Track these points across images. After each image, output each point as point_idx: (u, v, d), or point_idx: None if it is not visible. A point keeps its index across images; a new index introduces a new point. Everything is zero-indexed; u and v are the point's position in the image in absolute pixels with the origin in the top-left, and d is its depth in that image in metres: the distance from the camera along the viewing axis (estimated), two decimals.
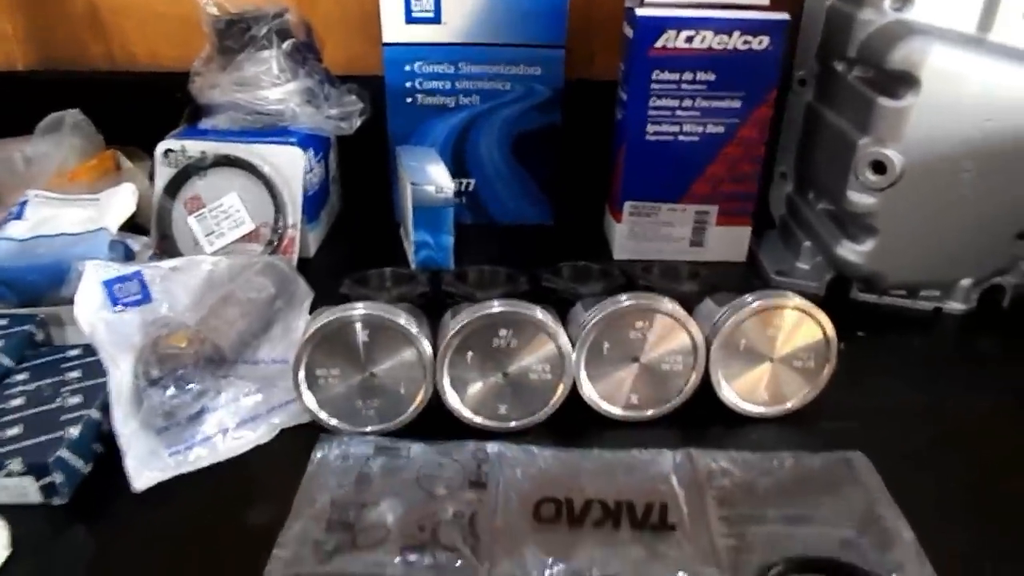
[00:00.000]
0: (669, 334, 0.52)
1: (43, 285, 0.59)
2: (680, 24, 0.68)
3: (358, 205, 0.90)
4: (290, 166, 0.71)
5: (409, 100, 0.79)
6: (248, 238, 0.71)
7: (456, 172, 0.82)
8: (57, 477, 0.45)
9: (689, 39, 0.68)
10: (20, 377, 0.52)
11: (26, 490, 0.45)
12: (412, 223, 0.71)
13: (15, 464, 0.44)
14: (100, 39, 0.88)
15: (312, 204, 0.76)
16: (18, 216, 0.63)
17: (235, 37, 0.71)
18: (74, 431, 0.47)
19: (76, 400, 0.50)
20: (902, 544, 0.43)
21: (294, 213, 0.71)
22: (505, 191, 0.84)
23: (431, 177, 0.71)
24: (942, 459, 0.52)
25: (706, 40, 0.69)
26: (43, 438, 0.46)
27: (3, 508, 0.44)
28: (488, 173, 0.83)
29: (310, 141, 0.74)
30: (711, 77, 0.70)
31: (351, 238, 0.84)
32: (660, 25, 0.68)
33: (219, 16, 0.71)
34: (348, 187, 0.89)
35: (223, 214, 0.70)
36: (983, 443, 0.54)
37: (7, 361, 0.54)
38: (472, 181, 0.83)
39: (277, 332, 0.61)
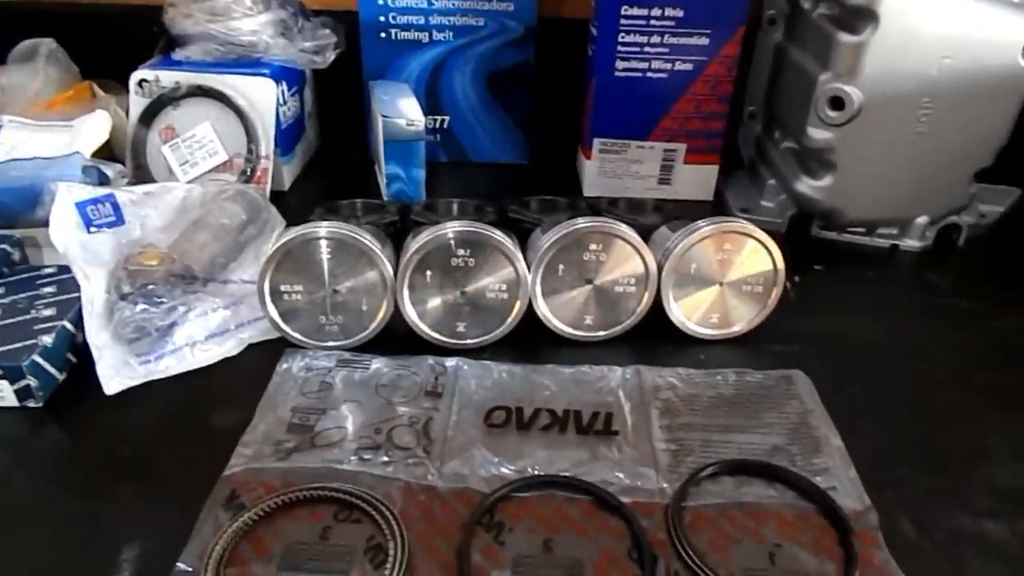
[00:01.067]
0: (623, 258, 0.54)
1: (18, 207, 0.60)
2: None
3: (335, 142, 0.91)
4: (263, 97, 0.72)
5: (383, 35, 0.79)
6: (222, 168, 0.72)
7: (430, 109, 0.83)
8: (31, 381, 0.47)
9: None
10: None
11: (2, 392, 0.47)
12: (384, 156, 0.73)
13: None
14: None
15: (287, 138, 0.77)
16: None
17: None
18: (48, 339, 0.49)
19: (50, 312, 0.52)
20: (830, 450, 0.45)
21: (267, 144, 0.72)
22: (480, 129, 0.85)
23: (402, 110, 0.72)
24: (881, 379, 0.55)
25: None
26: (17, 345, 0.48)
27: None
28: (462, 110, 0.84)
29: (283, 73, 0.75)
30: (679, 13, 0.71)
31: (327, 174, 0.85)
32: None
33: None
34: (325, 124, 0.90)
35: (197, 144, 0.71)
36: (922, 365, 0.57)
37: None
38: (446, 118, 0.84)
39: (248, 258, 0.63)
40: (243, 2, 0.72)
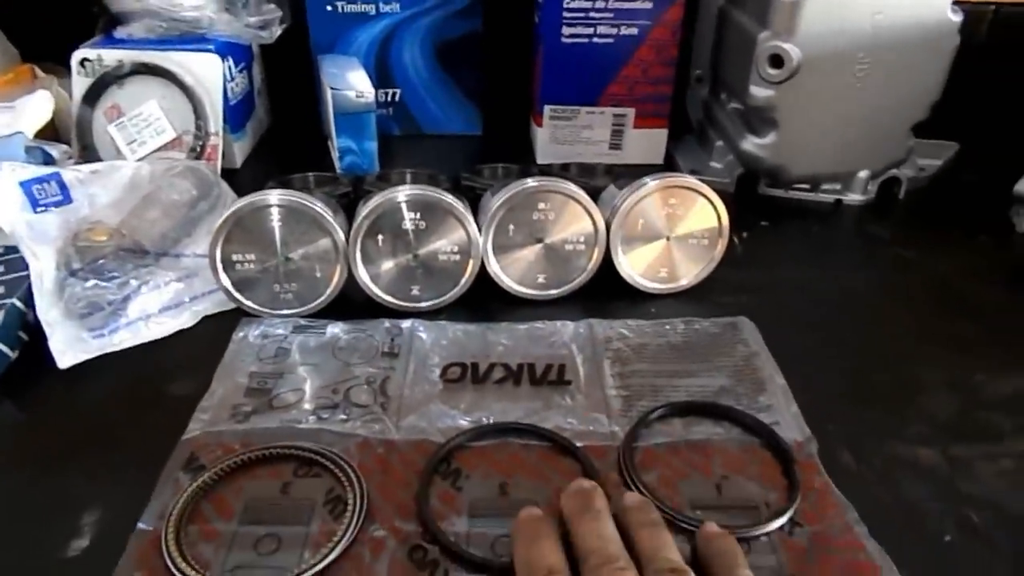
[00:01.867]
0: (572, 217, 0.55)
1: None
2: None
3: (286, 119, 0.90)
4: (209, 74, 0.71)
5: (330, 8, 0.79)
6: (170, 146, 0.71)
7: (381, 82, 0.83)
8: None
9: None
10: None
11: None
12: (335, 129, 0.73)
13: None
14: None
15: (236, 115, 0.77)
16: None
17: None
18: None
19: (2, 290, 0.51)
20: (774, 388, 0.47)
21: (215, 121, 0.72)
22: (432, 100, 0.86)
23: (351, 82, 0.72)
24: (825, 323, 0.57)
25: None
26: None
27: None
28: (413, 82, 0.84)
29: (229, 49, 0.74)
30: None
31: (279, 151, 0.85)
32: None
33: None
34: (276, 100, 0.90)
35: (144, 122, 0.71)
36: (864, 310, 0.59)
37: None
38: (398, 91, 0.85)
39: (201, 233, 0.63)
40: None
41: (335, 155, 0.77)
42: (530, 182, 0.54)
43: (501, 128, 0.88)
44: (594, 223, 0.55)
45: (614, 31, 0.74)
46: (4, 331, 0.49)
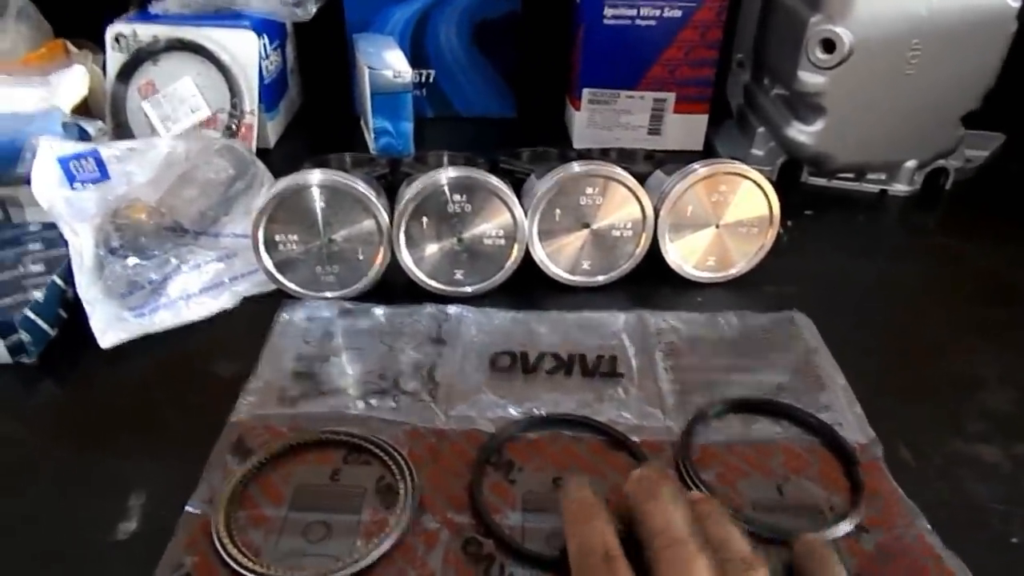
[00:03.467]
0: (619, 202, 0.54)
1: None
2: None
3: (318, 98, 0.89)
4: (245, 51, 0.70)
5: None
6: (205, 124, 0.70)
7: (416, 62, 0.81)
8: (23, 336, 0.46)
9: None
10: None
11: None
12: (371, 110, 0.71)
13: None
14: None
15: (270, 93, 0.75)
16: None
17: None
18: (38, 294, 0.48)
19: (39, 268, 0.50)
20: (834, 387, 0.46)
21: (251, 99, 0.71)
22: (467, 82, 0.84)
23: (388, 62, 0.70)
24: (875, 316, 0.55)
25: None
26: (8, 300, 0.47)
27: None
28: (448, 63, 0.83)
29: (265, 26, 0.73)
30: None
31: (311, 130, 0.84)
32: None
33: None
34: (308, 80, 0.88)
35: (178, 100, 0.69)
36: (914, 301, 0.57)
37: None
38: (432, 72, 0.83)
39: (238, 212, 0.61)
40: None
41: (369, 136, 0.76)
42: (577, 166, 0.53)
43: (535, 110, 0.87)
44: (642, 209, 0.54)
45: (657, 12, 0.72)
46: (45, 308, 0.48)
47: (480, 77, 0.84)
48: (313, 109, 0.88)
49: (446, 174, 0.51)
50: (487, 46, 0.82)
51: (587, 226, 0.54)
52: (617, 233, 0.55)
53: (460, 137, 0.82)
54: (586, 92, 0.77)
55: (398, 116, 0.72)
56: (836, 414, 0.43)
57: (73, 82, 0.64)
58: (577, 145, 0.79)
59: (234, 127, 0.70)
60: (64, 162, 0.56)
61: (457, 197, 0.52)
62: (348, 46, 0.80)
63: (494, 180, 0.52)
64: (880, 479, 0.39)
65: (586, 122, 0.78)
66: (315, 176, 0.51)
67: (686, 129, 0.79)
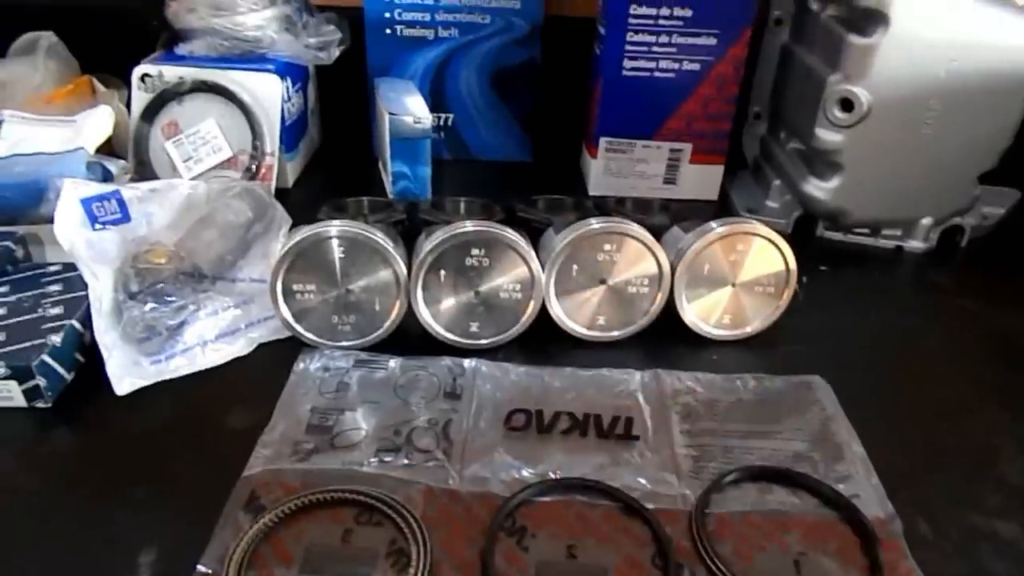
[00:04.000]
0: (636, 258, 0.54)
1: (21, 203, 0.59)
2: None
3: (337, 138, 0.90)
4: (268, 94, 0.71)
5: (388, 31, 0.79)
6: (226, 165, 0.71)
7: (435, 106, 0.82)
8: (40, 381, 0.46)
9: None
10: (1, 290, 0.53)
11: (10, 393, 0.46)
12: (390, 154, 0.72)
13: None
14: None
15: (290, 134, 0.76)
16: None
17: None
18: (56, 339, 0.48)
19: (57, 311, 0.51)
20: (852, 457, 0.45)
21: (272, 141, 0.72)
22: (484, 126, 0.85)
23: (409, 108, 0.71)
24: (890, 379, 0.55)
25: None
26: (26, 344, 0.47)
27: None
28: (467, 108, 0.83)
29: (288, 69, 0.74)
30: (688, 13, 0.71)
31: (329, 170, 0.84)
32: None
33: None
34: (327, 120, 0.89)
35: (201, 140, 0.70)
36: (929, 365, 0.57)
37: None
38: (451, 116, 0.84)
39: (255, 255, 0.62)
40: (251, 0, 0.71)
41: (387, 178, 0.76)
42: (595, 223, 0.53)
43: (550, 155, 0.87)
44: (659, 266, 0.54)
45: (676, 66, 0.73)
46: (63, 353, 0.48)
47: (498, 122, 0.85)
48: (331, 149, 0.89)
49: (465, 228, 0.51)
50: (505, 91, 0.83)
51: (604, 282, 0.54)
52: (633, 289, 0.55)
53: (476, 180, 0.83)
54: (603, 141, 0.77)
55: (416, 161, 0.72)
56: (854, 485, 0.43)
57: (98, 122, 0.65)
58: (593, 192, 0.80)
59: (254, 168, 0.71)
60: (87, 203, 0.57)
61: (475, 251, 0.52)
62: (368, 88, 0.81)
63: (512, 235, 0.52)
64: (899, 558, 0.39)
65: (602, 170, 0.79)
66: (335, 227, 0.51)
67: (702, 179, 0.79)
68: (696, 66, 0.73)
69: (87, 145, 0.63)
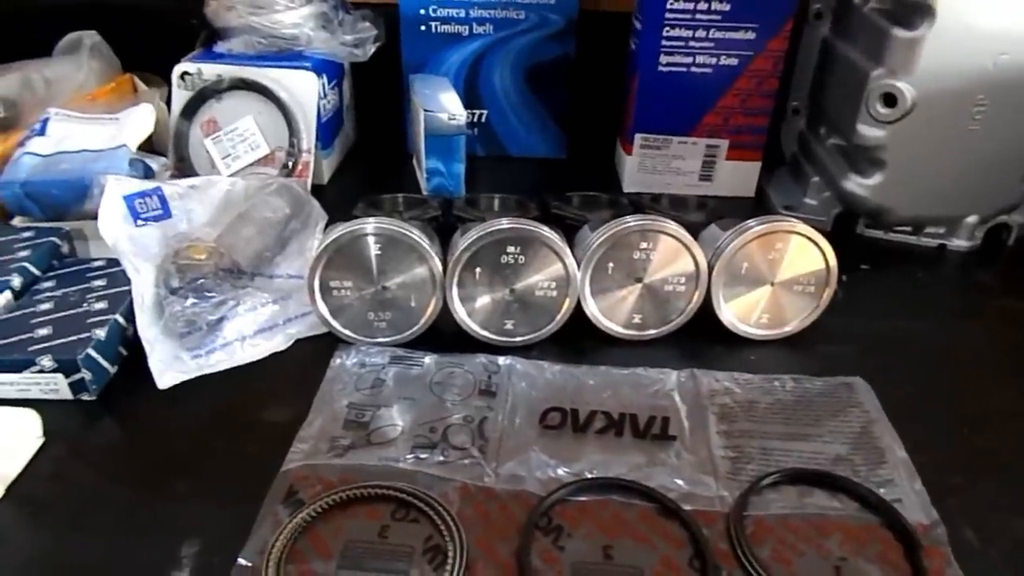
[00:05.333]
0: (672, 256, 0.53)
1: (66, 199, 0.61)
2: None
3: (372, 134, 0.90)
4: (305, 91, 0.72)
5: (423, 28, 0.79)
6: (263, 161, 0.72)
7: (469, 103, 0.82)
8: (85, 374, 0.47)
9: None
10: (47, 284, 0.55)
11: (56, 386, 0.47)
12: (424, 151, 0.72)
13: (46, 361, 0.47)
14: None
15: (326, 131, 0.77)
16: (41, 132, 0.65)
17: None
18: (100, 332, 0.49)
19: (102, 306, 0.52)
20: (894, 460, 0.44)
21: (308, 138, 0.72)
22: (518, 123, 0.85)
23: (444, 105, 0.71)
24: (934, 382, 0.54)
25: None
26: (72, 338, 0.48)
27: (35, 402, 0.47)
28: (501, 104, 0.83)
29: (324, 67, 0.75)
30: (725, 7, 0.70)
31: (365, 166, 0.85)
32: None
33: None
34: (362, 116, 0.90)
35: (239, 137, 0.71)
36: (975, 367, 0.56)
37: (34, 270, 0.56)
38: (485, 112, 0.84)
39: (292, 251, 0.62)
40: None
41: (421, 175, 0.76)
42: (631, 220, 0.53)
43: (584, 151, 0.87)
44: (696, 264, 0.54)
45: (713, 61, 0.72)
46: (107, 347, 0.49)
47: (532, 118, 0.84)
48: (367, 145, 0.90)
49: (500, 226, 0.51)
50: (539, 87, 0.82)
51: (639, 280, 0.54)
52: (670, 288, 0.54)
53: (510, 177, 0.83)
54: (638, 137, 0.76)
55: (451, 158, 0.72)
56: (897, 489, 0.42)
57: (140, 120, 0.66)
58: (627, 188, 0.79)
59: (291, 164, 0.72)
60: (129, 200, 0.58)
61: (511, 248, 0.52)
62: (403, 84, 0.82)
63: (547, 232, 0.52)
64: (943, 566, 0.38)
65: (637, 167, 0.78)
66: (371, 224, 0.51)
67: (739, 176, 0.78)
68: (734, 61, 0.72)
69: (129, 142, 0.64)
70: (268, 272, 0.59)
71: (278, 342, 0.54)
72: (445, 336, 0.54)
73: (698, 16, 0.70)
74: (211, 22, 0.74)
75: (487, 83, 0.82)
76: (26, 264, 0.55)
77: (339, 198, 0.74)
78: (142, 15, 0.85)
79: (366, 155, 0.88)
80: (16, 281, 0.54)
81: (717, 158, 0.77)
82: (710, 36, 0.71)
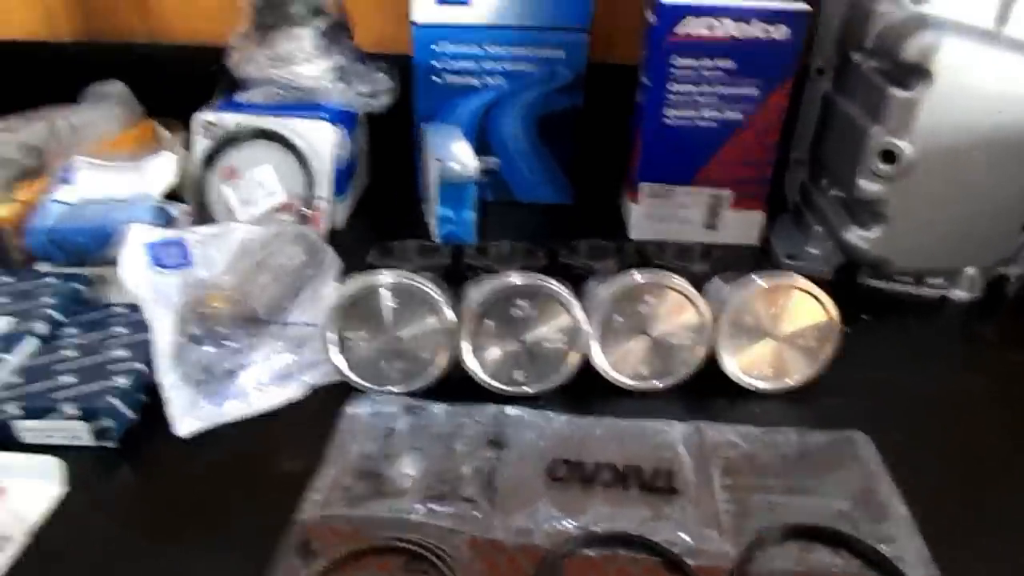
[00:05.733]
0: (678, 309, 0.55)
1: (90, 246, 0.63)
2: (700, 11, 0.70)
3: (383, 179, 0.93)
4: (322, 141, 0.74)
5: (436, 79, 0.81)
6: (280, 209, 0.74)
7: (479, 150, 0.84)
8: (108, 422, 0.49)
9: (709, 26, 0.71)
10: (71, 331, 0.56)
11: (79, 433, 0.49)
12: (436, 199, 0.74)
13: (70, 409, 0.48)
14: (140, 13, 0.91)
15: (341, 178, 0.79)
16: (67, 181, 0.67)
17: (272, 14, 0.74)
18: (124, 381, 0.51)
19: (124, 353, 0.54)
20: (896, 517, 0.45)
21: (324, 187, 0.74)
22: (526, 170, 0.87)
23: (456, 154, 0.73)
24: (935, 435, 0.55)
25: (726, 28, 0.71)
26: (95, 386, 0.50)
27: (59, 448, 0.48)
28: (510, 152, 0.86)
29: (341, 117, 0.77)
30: (730, 64, 0.72)
31: (376, 211, 0.87)
32: (680, 12, 0.71)
33: None
34: (374, 161, 0.92)
35: (257, 185, 0.73)
36: (976, 420, 0.57)
37: (58, 316, 0.58)
38: (495, 160, 0.86)
39: (307, 297, 0.64)
40: (305, 48, 0.74)
41: (432, 221, 0.78)
42: (637, 276, 0.54)
43: (591, 198, 0.89)
44: (701, 317, 0.55)
45: (717, 114, 0.74)
46: (129, 394, 0.51)
47: (540, 165, 0.86)
48: (378, 189, 0.92)
49: (512, 281, 0.53)
50: (548, 137, 0.85)
51: (646, 332, 0.55)
52: (675, 340, 0.56)
53: (518, 222, 0.84)
54: (644, 186, 0.78)
55: (462, 206, 0.74)
56: (898, 547, 0.43)
57: (163, 169, 0.69)
58: (634, 236, 0.81)
59: (307, 212, 0.74)
60: (152, 248, 0.60)
61: (521, 302, 0.53)
62: (414, 131, 0.84)
63: (557, 286, 0.54)
64: None
65: (643, 215, 0.80)
66: (386, 277, 0.53)
67: (742, 224, 0.80)
68: (738, 115, 0.74)
69: (153, 191, 0.66)
70: (283, 319, 0.61)
71: (293, 390, 0.55)
72: (452, 383, 0.56)
73: (703, 73, 0.72)
74: (232, 72, 0.77)
75: (497, 132, 0.84)
76: (51, 311, 0.57)
77: (352, 243, 0.76)
78: (165, 63, 0.88)
79: (377, 199, 0.90)
80: (42, 327, 0.56)
81: (721, 207, 0.79)
82: (714, 91, 0.73)
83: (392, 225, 0.83)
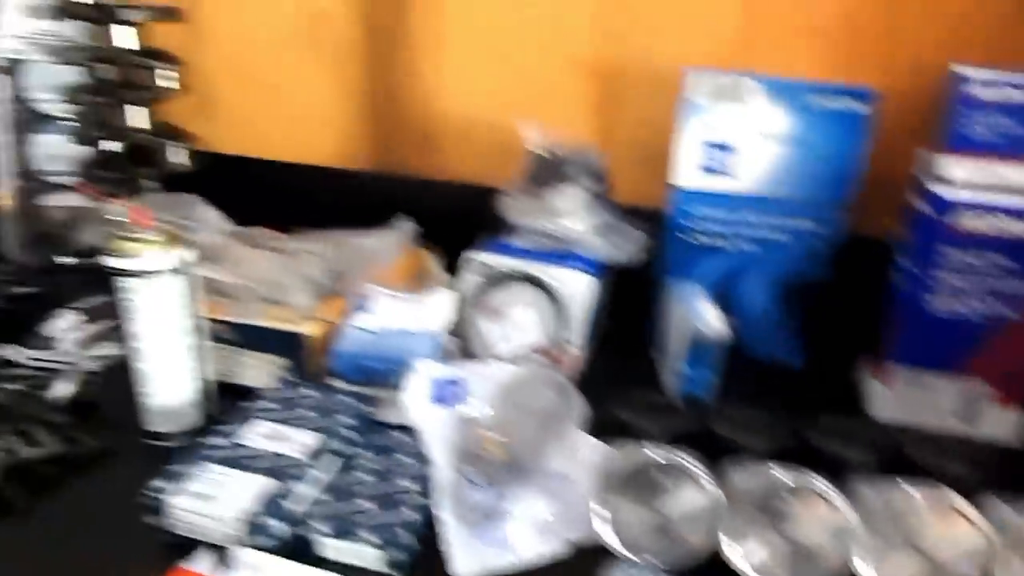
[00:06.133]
0: (951, 526, 0.53)
1: (386, 373, 0.71)
2: (976, 207, 0.70)
3: (619, 325, 0.96)
4: (580, 289, 0.79)
5: (686, 237, 0.85)
6: (534, 350, 0.79)
7: (720, 307, 0.86)
8: (401, 555, 0.54)
9: (985, 221, 0.70)
10: (366, 454, 0.63)
11: (373, 560, 0.54)
12: (682, 356, 0.77)
13: (370, 535, 0.54)
14: (423, 151, 1.04)
15: (591, 325, 0.84)
16: (367, 309, 0.77)
17: (548, 171, 0.82)
18: (413, 515, 0.56)
19: (411, 485, 0.60)
20: None
21: (578, 333, 0.79)
22: (761, 329, 0.88)
23: (707, 316, 0.76)
24: None
25: (1000, 223, 0.69)
26: (391, 516, 0.56)
27: (348, 568, 0.54)
28: (748, 313, 0.87)
29: (597, 267, 0.82)
30: (1003, 260, 0.70)
31: (612, 358, 0.90)
32: (952, 204, 0.70)
33: (538, 153, 0.83)
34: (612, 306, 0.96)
35: (515, 325, 0.80)
36: None
37: (355, 436, 0.65)
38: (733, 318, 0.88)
39: (555, 444, 0.68)
40: (575, 206, 0.81)
41: (670, 376, 0.81)
42: (915, 494, 0.54)
43: (821, 362, 0.87)
44: (987, 541, 0.53)
45: (985, 308, 0.72)
46: (419, 528, 0.56)
47: (775, 326, 0.87)
48: (615, 334, 0.95)
49: (781, 478, 0.54)
50: (789, 301, 0.85)
51: (917, 548, 0.54)
52: (948, 556, 0.53)
53: (748, 382, 0.85)
54: (895, 368, 0.77)
55: (704, 365, 0.77)
56: None
57: (443, 306, 0.77)
58: (876, 414, 0.79)
59: (560, 357, 0.79)
60: (436, 383, 0.67)
61: (785, 495, 0.54)
62: (654, 282, 0.87)
63: (822, 485, 0.54)
64: None
65: (890, 396, 0.78)
66: (658, 453, 0.56)
67: (1001, 420, 0.75)
68: (1008, 310, 0.71)
69: (437, 327, 0.74)
70: (540, 465, 0.64)
71: (555, 546, 0.58)
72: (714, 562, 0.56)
73: (973, 264, 0.71)
74: (505, 217, 0.85)
75: (738, 292, 0.86)
76: (349, 432, 0.64)
77: (592, 388, 0.79)
78: (437, 196, 0.99)
79: (614, 343, 0.93)
80: (342, 446, 0.63)
81: (980, 401, 0.75)
82: (984, 285, 0.71)
83: (628, 370, 0.86)
